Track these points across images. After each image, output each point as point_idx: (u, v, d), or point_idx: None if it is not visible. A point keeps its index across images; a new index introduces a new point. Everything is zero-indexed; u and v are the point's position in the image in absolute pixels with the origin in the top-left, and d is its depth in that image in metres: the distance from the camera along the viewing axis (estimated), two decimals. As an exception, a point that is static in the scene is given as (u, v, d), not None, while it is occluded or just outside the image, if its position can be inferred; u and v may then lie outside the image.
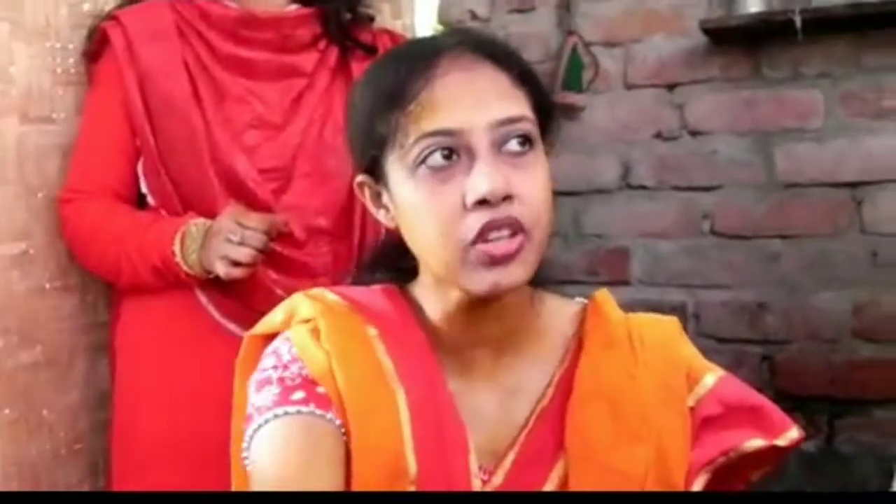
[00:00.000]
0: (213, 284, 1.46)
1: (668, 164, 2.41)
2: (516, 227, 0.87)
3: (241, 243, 1.38)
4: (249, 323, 1.44)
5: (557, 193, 2.61)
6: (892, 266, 2.21)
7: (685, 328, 2.45)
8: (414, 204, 0.90)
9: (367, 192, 0.98)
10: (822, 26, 2.14)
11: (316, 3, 1.63)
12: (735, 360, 2.37)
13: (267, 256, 1.44)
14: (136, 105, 1.53)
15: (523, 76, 0.93)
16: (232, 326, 1.50)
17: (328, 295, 0.99)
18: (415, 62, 0.91)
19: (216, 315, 1.51)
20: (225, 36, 1.57)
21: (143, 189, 1.57)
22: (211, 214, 1.47)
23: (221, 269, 1.38)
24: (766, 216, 2.31)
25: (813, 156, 2.26)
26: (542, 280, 0.97)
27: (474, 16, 2.63)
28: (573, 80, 2.41)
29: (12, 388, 1.52)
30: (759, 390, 2.35)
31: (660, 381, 0.96)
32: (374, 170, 0.95)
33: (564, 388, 0.96)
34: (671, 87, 2.40)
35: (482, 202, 0.86)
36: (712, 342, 2.39)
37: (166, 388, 1.50)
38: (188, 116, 1.52)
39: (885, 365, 2.23)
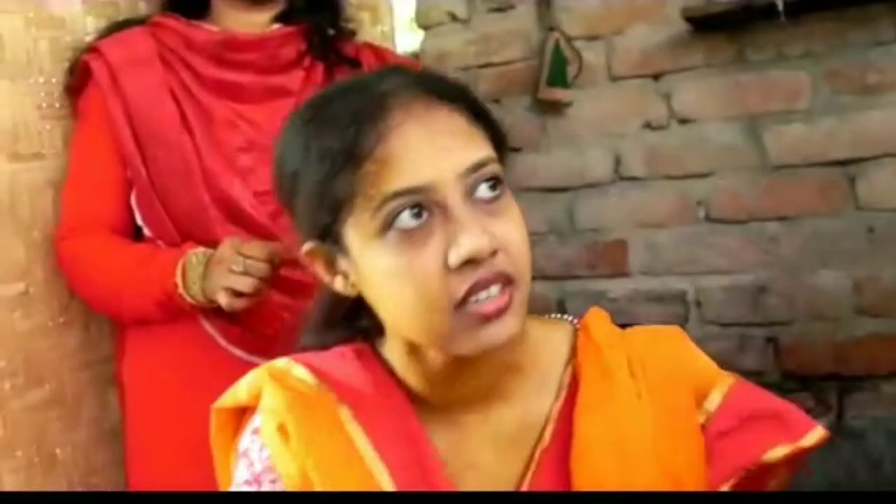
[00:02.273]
0: (217, 312, 1.44)
1: (658, 153, 2.41)
2: (505, 280, 0.82)
3: (243, 273, 1.36)
4: (256, 348, 1.46)
5: (550, 190, 2.62)
6: (890, 241, 2.21)
7: (687, 316, 2.48)
8: (386, 270, 0.82)
9: (318, 259, 0.91)
10: (803, 6, 2.14)
11: (298, 21, 1.62)
12: (739, 343, 2.37)
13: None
14: (125, 136, 1.51)
15: (477, 111, 0.87)
16: (238, 352, 1.49)
17: (294, 371, 0.93)
18: (362, 114, 0.83)
19: (222, 342, 1.50)
20: (209, 60, 1.56)
21: (139, 221, 1.55)
22: (209, 242, 1.46)
23: (224, 301, 1.37)
24: (760, 199, 2.32)
25: (803, 136, 2.26)
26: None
27: (454, 17, 2.63)
28: (558, 76, 2.41)
29: (23, 430, 1.52)
30: (765, 372, 2.38)
31: (666, 407, 0.90)
32: (327, 235, 0.88)
33: (563, 425, 0.91)
34: (656, 76, 2.40)
35: (468, 261, 0.79)
36: (715, 328, 2.39)
37: (177, 419, 1.48)
38: (178, 144, 1.50)
39: (889, 339, 2.23)
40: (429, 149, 0.81)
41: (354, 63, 1.65)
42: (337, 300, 0.95)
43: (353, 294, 0.89)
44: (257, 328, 1.45)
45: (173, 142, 1.51)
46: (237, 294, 1.37)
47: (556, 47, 2.41)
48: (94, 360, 1.66)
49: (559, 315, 1.01)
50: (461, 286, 0.80)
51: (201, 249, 1.44)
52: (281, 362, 0.94)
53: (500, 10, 2.56)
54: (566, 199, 2.51)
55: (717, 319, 2.39)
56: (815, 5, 2.16)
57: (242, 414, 0.97)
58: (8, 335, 1.50)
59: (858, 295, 2.26)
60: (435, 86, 0.87)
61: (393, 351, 0.92)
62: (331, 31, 1.64)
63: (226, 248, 1.39)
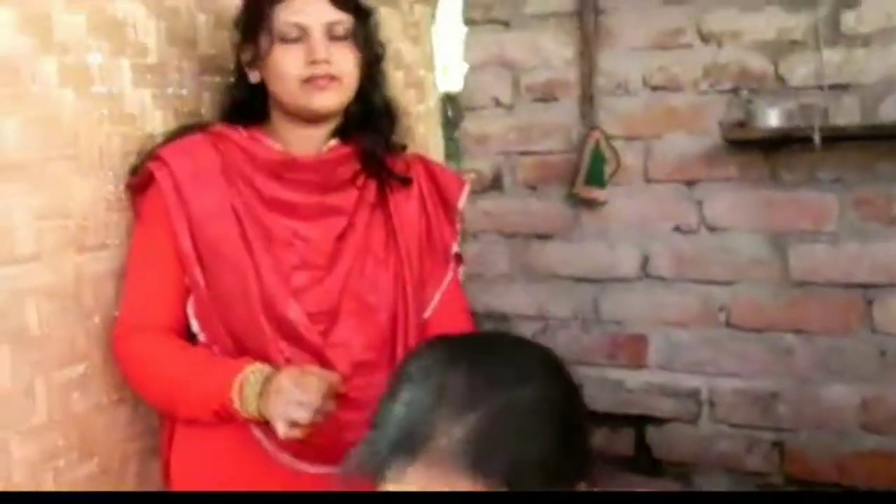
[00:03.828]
0: (268, 423, 1.48)
1: (686, 256, 2.47)
2: None
3: (300, 405, 1.39)
4: (303, 455, 1.54)
5: (579, 279, 2.70)
6: (900, 364, 2.28)
7: (699, 413, 2.56)
8: None
9: None
10: (837, 137, 2.21)
11: (353, 138, 1.66)
12: (747, 445, 2.45)
13: None
14: (186, 248, 1.55)
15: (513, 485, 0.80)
16: (285, 458, 1.55)
17: None
18: (400, 439, 0.82)
19: (269, 448, 1.54)
20: (269, 178, 1.60)
21: (194, 328, 1.59)
22: (262, 356, 1.51)
23: (282, 430, 1.40)
24: (779, 311, 2.38)
25: (826, 257, 2.33)
26: None
27: (497, 102, 2.69)
28: (596, 176, 2.47)
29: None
30: (770, 474, 2.45)
31: None
32: None
33: None
34: (690, 183, 2.46)
35: None
36: (725, 427, 2.46)
37: None
38: (238, 262, 1.54)
39: (890, 456, 2.31)
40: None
41: (405, 180, 1.70)
42: None
43: None
44: (308, 440, 1.47)
45: (233, 259, 1.55)
46: (293, 424, 1.40)
47: (596, 147, 2.47)
48: (139, 433, 1.72)
49: None
50: None
51: (258, 366, 1.48)
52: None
53: (543, 100, 2.62)
54: (593, 290, 2.58)
55: (727, 420, 2.47)
56: (849, 136, 2.22)
57: None
58: (67, 416, 1.56)
59: (864, 412, 2.33)
60: (471, 453, 0.79)
61: None
62: (383, 150, 1.68)
63: (286, 380, 1.42)
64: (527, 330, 2.65)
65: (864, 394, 2.32)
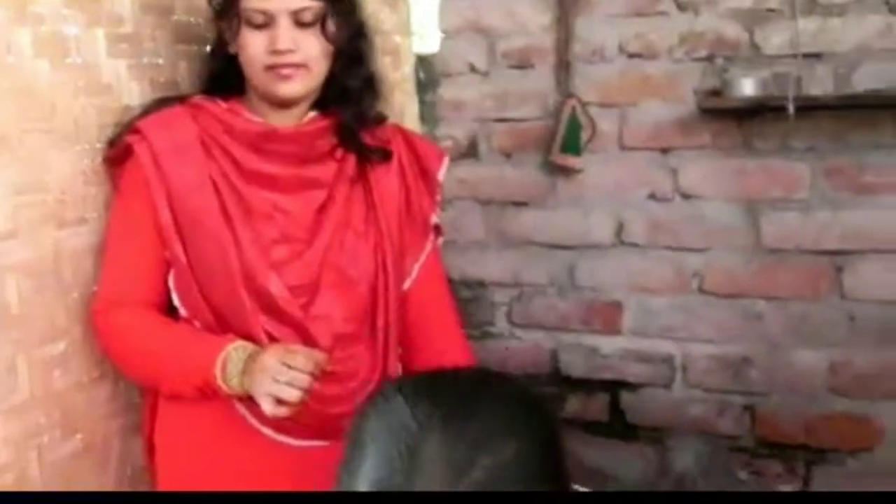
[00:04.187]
0: (250, 398, 1.48)
1: (660, 224, 2.49)
2: None
3: (287, 384, 1.40)
4: (285, 429, 1.54)
5: (554, 246, 2.71)
6: (868, 329, 2.33)
7: (673, 378, 2.59)
8: None
9: None
10: (811, 107, 2.22)
11: (333, 110, 1.64)
12: (719, 409, 2.49)
13: None
14: (166, 221, 1.53)
15: None
16: (267, 431, 1.55)
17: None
18: None
19: (253, 421, 1.55)
20: (249, 150, 1.58)
21: (175, 301, 1.59)
22: (243, 330, 1.52)
23: (269, 408, 1.41)
24: (751, 278, 2.41)
25: (797, 224, 2.35)
26: None
27: (473, 68, 2.67)
28: (571, 144, 2.47)
29: (57, 480, 1.57)
30: (741, 437, 2.50)
31: None
32: None
33: None
34: (665, 150, 2.46)
35: None
36: (698, 392, 2.50)
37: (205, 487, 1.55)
38: (219, 235, 1.53)
39: (857, 418, 2.36)
40: None
41: (386, 154, 1.69)
42: None
43: None
44: (293, 417, 1.48)
45: (214, 232, 1.53)
46: (279, 402, 1.41)
47: (573, 114, 2.46)
48: (121, 409, 1.72)
49: None
50: None
51: (241, 343, 1.48)
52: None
53: (519, 67, 2.60)
54: (568, 257, 2.59)
55: (700, 384, 2.50)
56: (823, 106, 2.24)
57: None
58: (48, 393, 1.55)
59: (833, 375, 2.37)
60: None
61: None
62: (362, 125, 1.66)
63: (270, 357, 1.43)
64: (503, 297, 2.66)
65: (832, 358, 2.37)
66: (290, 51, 1.52)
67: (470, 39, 2.67)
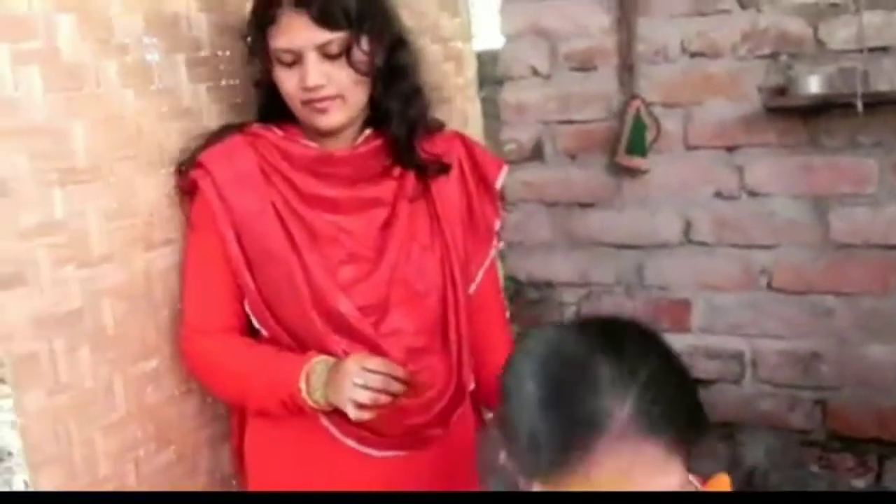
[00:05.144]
0: (335, 411, 1.50)
1: (727, 222, 2.46)
2: None
3: (363, 386, 1.42)
4: (367, 441, 1.56)
5: (622, 246, 2.69)
6: (939, 322, 2.28)
7: (743, 374, 2.55)
8: None
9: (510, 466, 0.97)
10: (879, 102, 2.17)
11: (383, 128, 1.60)
12: (790, 404, 2.46)
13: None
14: (234, 252, 1.54)
15: (682, 432, 0.90)
16: (350, 442, 1.56)
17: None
18: (577, 431, 0.87)
19: (336, 434, 1.56)
20: (308, 175, 1.57)
21: (255, 324, 1.59)
22: (320, 348, 1.52)
23: (352, 413, 1.43)
24: (820, 274, 2.38)
25: (866, 219, 2.31)
26: None
27: (535, 72, 2.66)
28: (637, 145, 2.45)
29: (155, 486, 1.61)
30: (812, 431, 2.46)
31: None
32: (521, 473, 0.95)
33: None
34: (730, 149, 2.43)
35: None
36: (769, 387, 2.48)
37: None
38: (286, 261, 1.53)
39: (930, 411, 2.32)
40: (623, 482, 0.87)
41: (443, 167, 1.65)
42: None
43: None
44: (366, 425, 1.50)
45: (280, 257, 1.53)
46: (360, 406, 1.43)
47: (637, 115, 2.44)
48: (209, 420, 1.75)
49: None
50: None
51: (324, 357, 1.50)
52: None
53: (582, 69, 2.58)
54: (636, 256, 2.57)
55: (770, 380, 2.47)
56: (890, 101, 2.18)
57: None
58: (143, 408, 1.59)
59: (905, 369, 2.33)
60: (649, 413, 0.88)
61: None
62: (414, 138, 1.62)
63: (350, 364, 1.45)
64: (571, 297, 2.65)
65: (904, 352, 2.32)
66: (321, 86, 1.50)
67: (531, 43, 2.65)
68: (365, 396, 1.43)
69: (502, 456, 0.98)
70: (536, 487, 0.93)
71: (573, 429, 0.88)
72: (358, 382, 1.43)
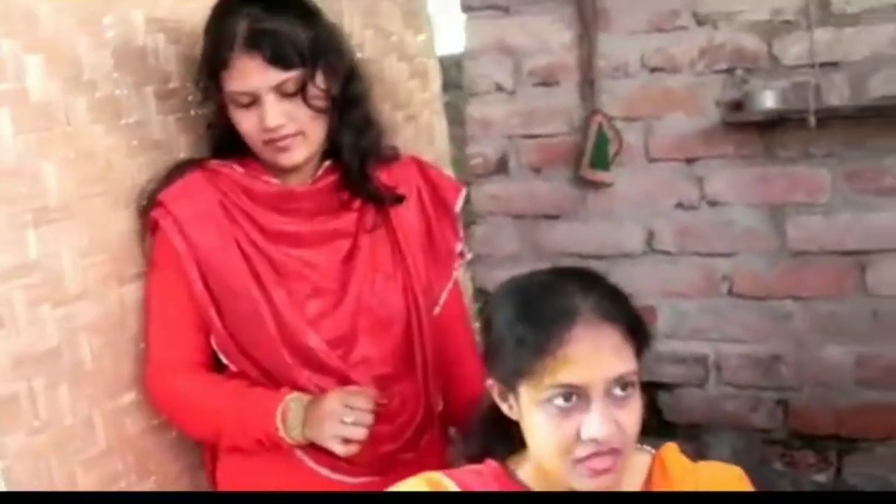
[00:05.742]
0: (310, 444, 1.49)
1: (688, 231, 2.50)
2: (615, 452, 1.06)
3: (354, 423, 1.42)
4: (338, 468, 1.53)
5: (587, 256, 2.70)
6: (892, 324, 2.33)
7: (707, 377, 2.59)
8: (539, 426, 1.09)
9: (496, 389, 1.16)
10: (830, 117, 2.21)
11: (339, 159, 1.58)
12: (752, 404, 2.51)
13: None
14: (200, 291, 1.51)
15: (631, 327, 1.11)
16: (323, 471, 1.54)
17: (444, 482, 1.17)
18: (553, 323, 1.08)
19: (309, 462, 1.54)
20: (270, 211, 1.55)
21: (222, 359, 1.57)
22: (289, 383, 1.51)
23: (341, 450, 1.43)
24: (778, 280, 2.42)
25: (821, 227, 2.36)
26: None
27: (499, 87, 2.67)
28: (600, 159, 2.47)
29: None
30: (774, 430, 2.51)
31: None
32: (508, 382, 1.13)
33: None
34: (690, 160, 2.47)
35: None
36: (731, 389, 2.52)
37: None
38: (252, 298, 1.51)
39: (884, 408, 2.38)
40: (592, 359, 1.06)
41: (398, 198, 1.62)
42: (491, 417, 1.20)
43: (515, 418, 1.15)
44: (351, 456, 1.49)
45: (246, 295, 1.51)
46: (347, 441, 1.43)
47: (600, 130, 2.46)
48: (188, 449, 1.71)
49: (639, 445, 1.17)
50: (584, 452, 1.06)
51: (296, 395, 1.48)
52: (436, 475, 1.19)
53: (545, 84, 2.61)
54: (601, 267, 2.49)
55: (733, 382, 2.52)
56: (841, 115, 2.22)
57: None
58: (123, 441, 1.57)
59: (860, 368, 2.39)
60: (605, 307, 1.10)
61: (528, 470, 1.17)
62: (367, 168, 1.60)
63: (333, 402, 1.44)
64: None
65: (859, 352, 2.38)
66: (282, 125, 1.48)
67: (495, 59, 2.67)
68: (355, 433, 1.43)
69: (489, 383, 1.16)
70: (523, 391, 1.09)
71: (551, 322, 1.07)
72: (348, 421, 1.43)
